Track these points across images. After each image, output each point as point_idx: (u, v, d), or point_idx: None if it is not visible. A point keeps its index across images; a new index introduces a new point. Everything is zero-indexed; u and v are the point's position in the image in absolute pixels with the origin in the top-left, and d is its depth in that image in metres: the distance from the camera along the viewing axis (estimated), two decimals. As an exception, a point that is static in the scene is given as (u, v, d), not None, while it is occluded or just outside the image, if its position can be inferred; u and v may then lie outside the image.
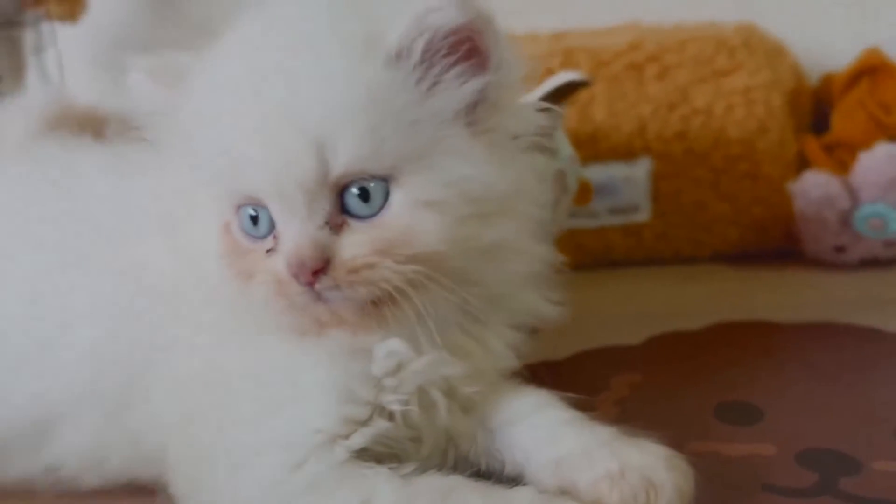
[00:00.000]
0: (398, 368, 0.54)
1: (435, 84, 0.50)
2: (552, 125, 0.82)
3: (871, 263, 1.00)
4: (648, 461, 0.53)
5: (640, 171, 1.01)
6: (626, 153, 1.01)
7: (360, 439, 0.53)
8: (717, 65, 1.01)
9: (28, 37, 1.05)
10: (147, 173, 0.61)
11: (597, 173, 0.99)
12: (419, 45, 0.49)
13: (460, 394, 0.56)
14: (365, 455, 0.53)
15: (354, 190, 0.49)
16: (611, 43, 1.02)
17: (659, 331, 0.85)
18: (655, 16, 1.09)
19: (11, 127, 0.82)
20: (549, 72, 0.88)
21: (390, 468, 0.52)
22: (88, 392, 0.59)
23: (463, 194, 0.50)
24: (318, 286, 0.49)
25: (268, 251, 0.51)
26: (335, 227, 0.50)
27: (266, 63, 0.50)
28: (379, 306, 0.51)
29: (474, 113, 0.51)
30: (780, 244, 1.05)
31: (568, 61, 0.99)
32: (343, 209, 0.50)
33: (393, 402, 0.54)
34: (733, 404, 0.69)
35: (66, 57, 1.07)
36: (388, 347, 0.53)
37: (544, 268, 0.59)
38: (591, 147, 0.99)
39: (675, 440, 0.55)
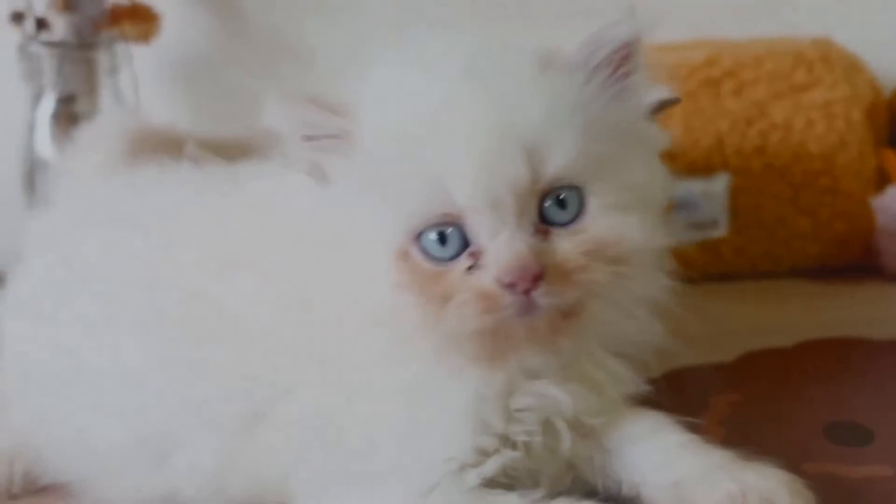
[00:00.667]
0: (537, 401, 0.54)
1: (617, 94, 0.54)
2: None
3: (955, 279, 0.99)
4: (769, 485, 0.52)
5: (718, 186, 1.01)
6: (703, 168, 1.01)
7: (490, 468, 0.53)
8: (795, 80, 1.01)
9: (102, 58, 1.07)
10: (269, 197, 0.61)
11: (675, 189, 0.99)
12: (599, 57, 0.53)
13: (585, 424, 0.56)
14: (488, 485, 0.53)
15: (552, 199, 0.51)
16: (686, 58, 1.02)
17: (749, 348, 0.84)
18: (729, 31, 1.09)
19: (93, 149, 0.83)
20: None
21: (520, 494, 0.52)
22: (213, 416, 0.59)
23: (644, 198, 0.54)
24: (535, 293, 0.49)
25: (469, 268, 0.51)
26: (541, 235, 0.51)
27: (462, 81, 0.51)
28: (568, 319, 0.52)
29: (644, 117, 0.56)
30: (859, 259, 1.04)
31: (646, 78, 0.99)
32: (542, 219, 0.51)
33: (520, 434, 0.54)
34: (841, 424, 0.68)
35: (141, 78, 1.09)
36: (539, 389, 0.54)
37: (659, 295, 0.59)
38: (669, 163, 0.98)
39: (789, 462, 0.54)
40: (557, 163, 0.50)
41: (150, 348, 0.61)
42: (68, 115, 1.06)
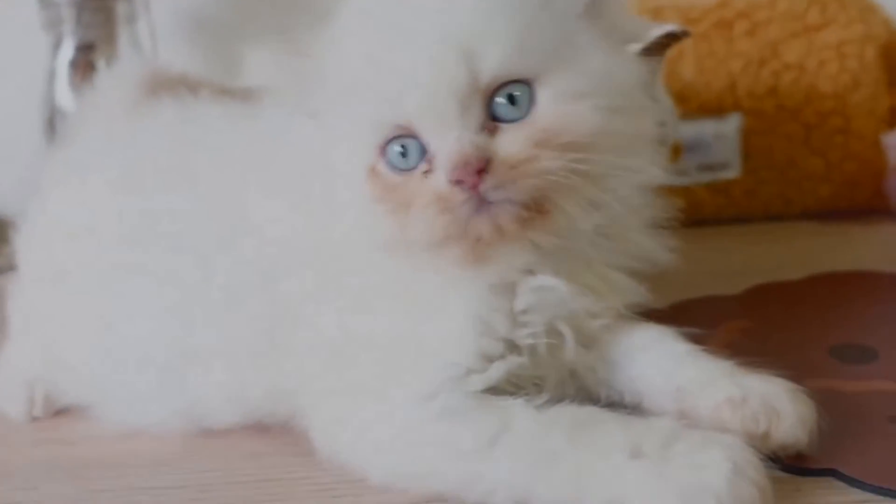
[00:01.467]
0: (537, 304, 0.55)
1: None
2: (653, 75, 0.83)
3: (962, 219, 1.00)
4: (770, 389, 0.54)
5: (730, 127, 1.01)
6: (715, 110, 1.01)
7: (495, 374, 0.54)
8: (808, 20, 1.01)
9: (121, 7, 1.08)
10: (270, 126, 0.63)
11: (686, 130, 1.00)
12: None
13: (586, 328, 0.57)
14: (493, 392, 0.55)
15: (501, 97, 0.52)
16: (698, 1, 1.02)
17: (758, 281, 0.85)
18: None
19: (111, 93, 0.85)
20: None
21: (525, 399, 0.53)
22: (230, 337, 0.61)
23: (601, 85, 0.53)
24: (482, 187, 0.50)
25: (425, 173, 0.52)
26: (489, 132, 0.52)
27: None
28: (534, 214, 0.52)
29: (599, 7, 0.55)
30: (870, 202, 1.05)
31: (657, 19, 0.99)
32: (493, 117, 0.52)
33: (526, 337, 0.55)
34: (847, 346, 0.69)
35: (158, 28, 1.10)
36: (539, 282, 0.55)
37: (658, 213, 0.61)
38: (681, 104, 0.98)
39: (792, 378, 0.55)
40: (495, 61, 0.51)
41: (165, 273, 0.64)
42: (87, 64, 1.08)
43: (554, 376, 0.57)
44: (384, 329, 0.56)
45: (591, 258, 0.57)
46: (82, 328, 0.67)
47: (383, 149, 0.54)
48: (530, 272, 0.55)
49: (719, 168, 1.02)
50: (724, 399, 0.53)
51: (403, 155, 0.53)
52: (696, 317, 0.77)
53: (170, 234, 0.64)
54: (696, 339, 0.59)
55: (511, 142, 0.51)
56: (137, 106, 0.80)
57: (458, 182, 0.50)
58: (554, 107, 0.52)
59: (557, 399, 0.55)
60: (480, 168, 0.50)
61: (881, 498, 0.50)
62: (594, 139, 0.52)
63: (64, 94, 1.08)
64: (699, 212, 1.04)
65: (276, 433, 0.62)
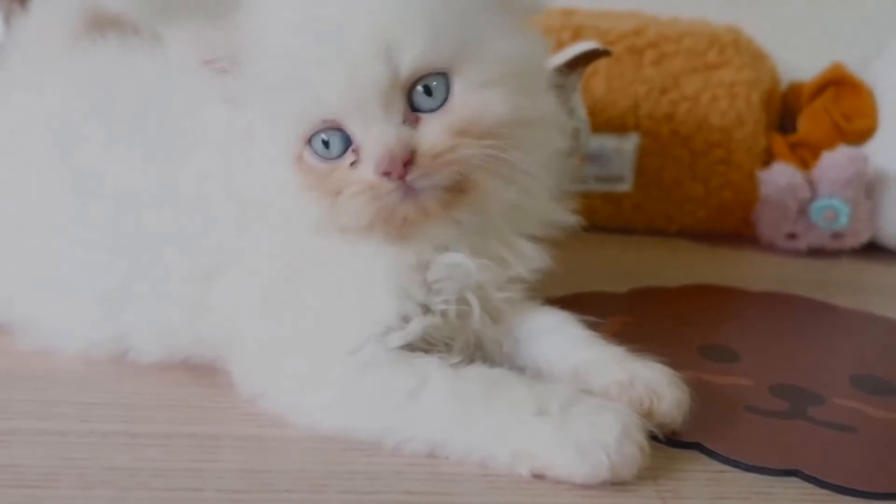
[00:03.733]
0: (448, 276, 0.60)
1: None
2: (572, 87, 0.91)
3: (818, 252, 1.14)
4: (654, 375, 0.61)
5: (628, 145, 1.12)
6: (618, 127, 1.11)
7: (412, 331, 0.59)
8: (708, 58, 1.13)
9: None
10: None
11: (591, 143, 1.08)
12: None
13: (492, 299, 0.62)
14: (410, 349, 0.59)
15: (419, 88, 0.55)
16: (616, 26, 1.12)
17: (639, 284, 0.95)
18: (651, 8, 1.20)
19: (54, 25, 0.85)
20: (561, 44, 0.97)
21: (439, 357, 0.58)
22: (161, 275, 0.64)
23: (511, 70, 0.56)
24: (409, 177, 0.54)
25: (352, 164, 0.56)
26: (411, 123, 0.55)
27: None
28: (456, 195, 0.56)
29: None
30: (739, 229, 1.17)
31: (577, 37, 1.08)
32: (413, 108, 0.55)
33: (439, 303, 0.60)
34: (713, 346, 0.79)
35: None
36: (449, 259, 0.60)
37: (560, 183, 0.65)
38: (590, 118, 1.08)
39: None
40: (413, 55, 0.53)
41: (104, 210, 0.66)
42: (19, -9, 1.06)
43: (462, 340, 0.62)
44: (314, 294, 0.60)
45: (501, 229, 0.62)
46: (16, 248, 0.69)
47: (308, 139, 0.57)
48: (445, 248, 0.60)
49: (615, 181, 1.12)
50: (613, 381, 0.60)
51: (326, 146, 0.56)
52: (587, 308, 0.86)
53: (106, 177, 0.66)
54: (588, 327, 0.67)
55: (432, 133, 0.54)
56: (76, 38, 0.81)
57: (386, 174, 0.54)
58: (469, 96, 0.55)
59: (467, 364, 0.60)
60: (406, 160, 0.54)
61: (734, 469, 0.59)
62: (507, 124, 0.55)
63: (-7, 20, 1.06)
64: (591, 218, 1.14)
65: (200, 369, 0.65)
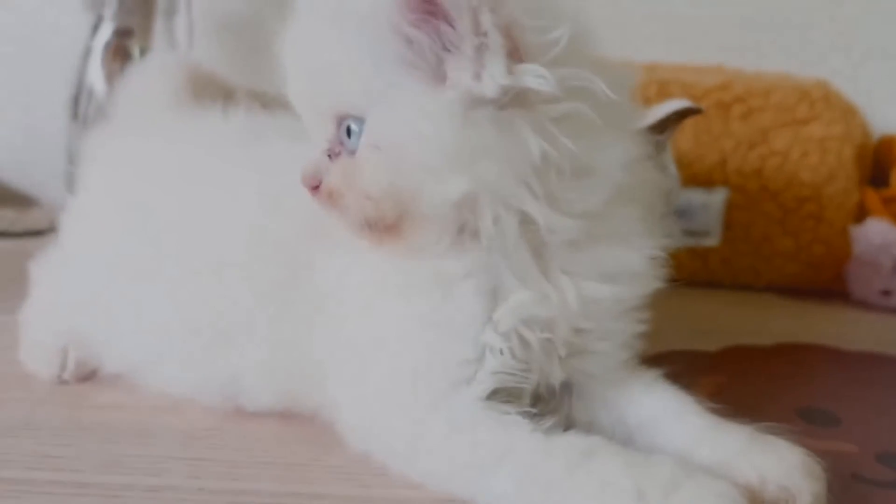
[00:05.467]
0: (492, 306, 0.58)
1: (393, 37, 0.53)
2: (663, 145, 0.91)
3: (912, 310, 1.11)
4: (785, 469, 0.56)
5: (716, 199, 1.11)
6: (705, 181, 1.10)
7: (483, 381, 0.57)
8: (797, 113, 1.12)
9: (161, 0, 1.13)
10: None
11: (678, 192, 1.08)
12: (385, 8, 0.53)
13: (557, 339, 0.59)
14: (494, 397, 0.58)
15: (345, 125, 0.57)
16: (701, 80, 1.12)
17: (728, 343, 0.93)
18: (736, 62, 1.19)
19: (154, 84, 0.88)
20: (647, 100, 0.97)
21: (531, 418, 0.56)
22: (267, 320, 0.65)
23: (404, 144, 0.54)
24: (316, 201, 0.58)
25: None
26: (334, 155, 0.58)
27: (292, 33, 0.59)
28: (373, 231, 0.57)
29: (441, 69, 0.53)
30: (830, 285, 1.15)
31: (663, 92, 1.08)
32: (342, 142, 0.57)
33: (496, 340, 0.58)
34: (813, 409, 0.78)
35: (196, 25, 1.15)
36: (463, 295, 0.58)
37: (627, 219, 0.61)
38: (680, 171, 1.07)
39: (768, 432, 0.63)
40: (328, 96, 0.57)
41: (214, 247, 0.68)
42: (122, 49, 1.12)
43: (537, 376, 0.60)
44: (383, 336, 0.60)
45: (542, 265, 0.59)
46: (127, 299, 0.71)
47: None
48: (479, 276, 0.58)
49: (701, 235, 1.11)
50: (743, 485, 0.54)
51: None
52: (678, 368, 0.86)
53: (208, 228, 0.69)
54: (682, 389, 0.65)
55: (334, 172, 0.58)
56: (178, 102, 0.84)
57: (308, 190, 0.59)
58: (362, 154, 0.56)
59: (560, 418, 0.59)
60: (314, 185, 0.58)
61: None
62: (373, 194, 0.55)
63: (95, 74, 1.11)
64: (678, 273, 1.13)
65: (302, 421, 0.66)
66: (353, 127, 0.56)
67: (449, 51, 0.53)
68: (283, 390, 0.67)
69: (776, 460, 0.57)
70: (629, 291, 0.62)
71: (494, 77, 0.52)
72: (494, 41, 0.52)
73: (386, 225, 0.57)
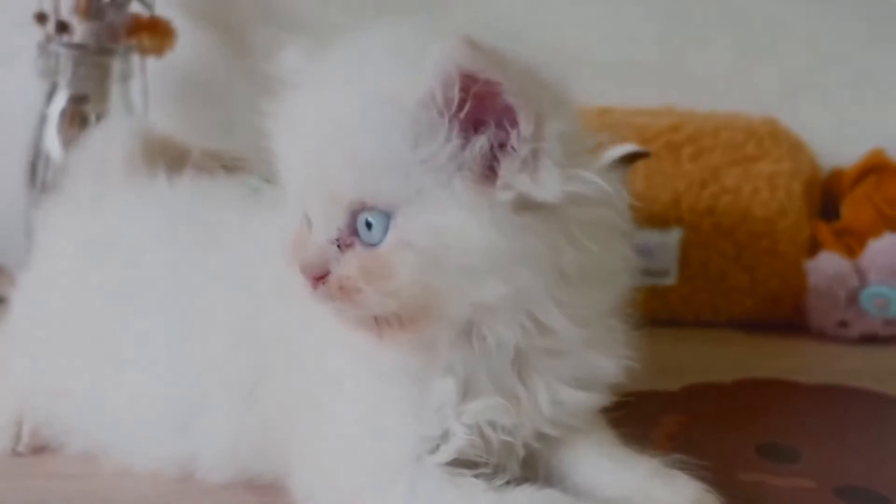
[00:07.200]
0: (455, 402, 0.58)
1: (438, 132, 0.51)
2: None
3: (870, 340, 1.12)
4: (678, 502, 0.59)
5: (671, 239, 1.13)
6: (660, 222, 1.12)
7: (444, 455, 0.58)
8: (746, 151, 1.14)
9: (117, 64, 1.13)
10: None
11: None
12: (431, 94, 0.51)
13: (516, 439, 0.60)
14: (455, 462, 0.58)
15: (363, 217, 0.53)
16: (653, 122, 1.14)
17: (690, 381, 0.94)
18: (688, 103, 1.22)
19: (106, 151, 0.89)
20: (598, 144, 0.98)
21: (485, 476, 0.57)
22: (224, 383, 0.65)
23: (445, 244, 0.52)
24: (316, 292, 0.55)
25: None
26: (344, 245, 0.54)
27: (307, 108, 0.56)
28: (381, 325, 0.55)
29: (490, 168, 0.52)
30: (788, 317, 1.16)
31: (614, 134, 1.10)
32: (355, 232, 0.54)
33: (458, 430, 0.58)
34: (773, 445, 0.79)
35: (150, 88, 1.16)
36: (440, 388, 0.57)
37: (609, 328, 0.62)
38: (632, 213, 1.09)
39: (726, 471, 0.64)
40: (350, 187, 0.53)
41: (172, 325, 0.68)
42: (78, 115, 1.12)
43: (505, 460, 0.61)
44: (342, 410, 0.60)
45: (520, 367, 0.59)
46: (83, 373, 0.70)
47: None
48: (452, 371, 0.57)
49: (659, 274, 1.13)
50: None
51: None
52: (642, 408, 0.87)
53: (173, 299, 0.69)
54: (642, 431, 0.67)
55: (348, 265, 0.54)
56: (132, 166, 0.85)
57: (304, 274, 0.55)
58: (392, 251, 0.53)
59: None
60: (318, 276, 0.54)
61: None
62: (412, 293, 0.53)
63: (51, 141, 1.12)
64: (638, 313, 1.14)
65: (265, 489, 0.66)
66: (373, 220, 0.53)
67: (501, 151, 0.52)
68: (244, 468, 0.66)
69: (671, 494, 0.59)
70: (601, 399, 0.63)
71: (552, 182, 0.51)
72: (554, 147, 0.51)
73: (400, 321, 0.55)
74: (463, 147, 0.52)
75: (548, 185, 0.51)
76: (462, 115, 0.51)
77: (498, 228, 0.52)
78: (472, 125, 0.52)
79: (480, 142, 0.52)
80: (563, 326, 0.57)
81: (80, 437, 0.72)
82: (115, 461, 0.69)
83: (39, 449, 0.74)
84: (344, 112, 0.53)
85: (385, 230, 0.53)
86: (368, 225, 0.53)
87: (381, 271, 0.53)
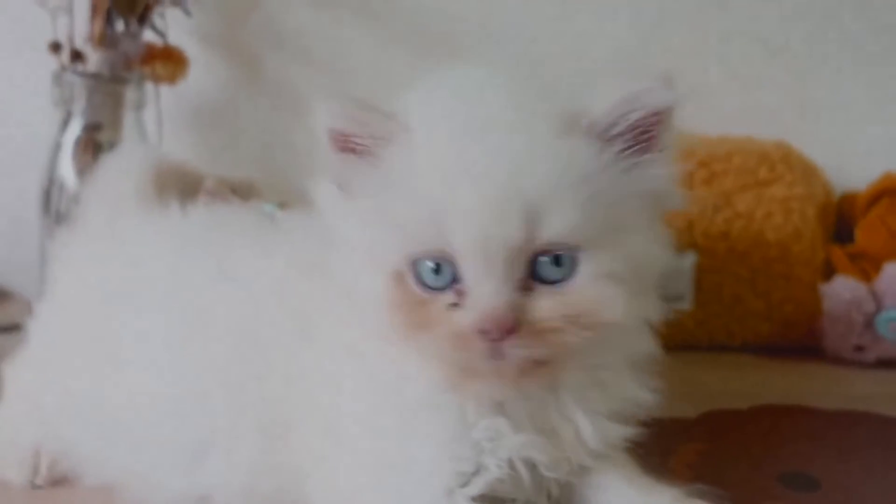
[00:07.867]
0: (496, 437, 0.57)
1: (635, 162, 0.54)
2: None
3: (886, 363, 1.12)
4: None
5: (685, 264, 1.12)
6: (674, 247, 1.12)
7: (475, 488, 0.57)
8: (759, 175, 1.14)
9: (130, 93, 1.14)
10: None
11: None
12: (626, 123, 0.53)
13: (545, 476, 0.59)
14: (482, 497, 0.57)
15: (547, 258, 0.53)
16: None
17: (709, 408, 0.94)
18: (700, 127, 1.22)
19: (118, 178, 0.89)
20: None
21: None
22: (248, 423, 0.64)
23: (638, 269, 0.55)
24: (506, 343, 0.52)
25: (452, 304, 0.54)
26: (525, 290, 0.53)
27: (479, 133, 0.52)
28: (536, 367, 0.54)
29: (658, 194, 0.57)
30: (803, 341, 1.16)
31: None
32: (533, 274, 0.53)
33: (492, 464, 0.57)
34: (793, 474, 0.78)
35: (164, 116, 1.17)
36: (493, 425, 0.57)
37: (644, 355, 0.64)
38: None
39: (748, 500, 0.63)
40: (554, 228, 0.51)
41: (190, 360, 0.67)
42: (92, 143, 1.13)
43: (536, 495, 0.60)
44: (369, 443, 0.59)
45: (566, 406, 0.59)
46: (102, 403, 0.69)
47: (416, 261, 0.54)
48: (499, 408, 0.57)
49: (674, 300, 1.12)
50: None
51: (436, 272, 0.54)
52: (660, 436, 0.86)
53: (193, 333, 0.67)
54: (661, 460, 0.66)
55: (545, 308, 0.52)
56: (145, 196, 0.84)
57: (485, 332, 0.52)
58: (592, 285, 0.53)
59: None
60: (510, 328, 0.52)
61: None
62: (619, 322, 0.54)
63: (66, 169, 1.12)
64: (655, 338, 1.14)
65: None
66: (563, 257, 0.53)
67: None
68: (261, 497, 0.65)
69: None
70: (636, 430, 0.64)
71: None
72: None
73: (546, 360, 0.54)
74: (647, 175, 0.55)
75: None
76: (642, 141, 0.54)
77: (663, 249, 0.58)
78: (640, 153, 0.54)
79: (660, 168, 0.55)
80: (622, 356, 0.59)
81: (98, 468, 0.71)
82: (131, 494, 0.68)
83: (58, 482, 0.73)
84: (522, 158, 0.51)
85: (572, 266, 0.53)
86: (557, 262, 0.53)
87: (589, 308, 0.53)
